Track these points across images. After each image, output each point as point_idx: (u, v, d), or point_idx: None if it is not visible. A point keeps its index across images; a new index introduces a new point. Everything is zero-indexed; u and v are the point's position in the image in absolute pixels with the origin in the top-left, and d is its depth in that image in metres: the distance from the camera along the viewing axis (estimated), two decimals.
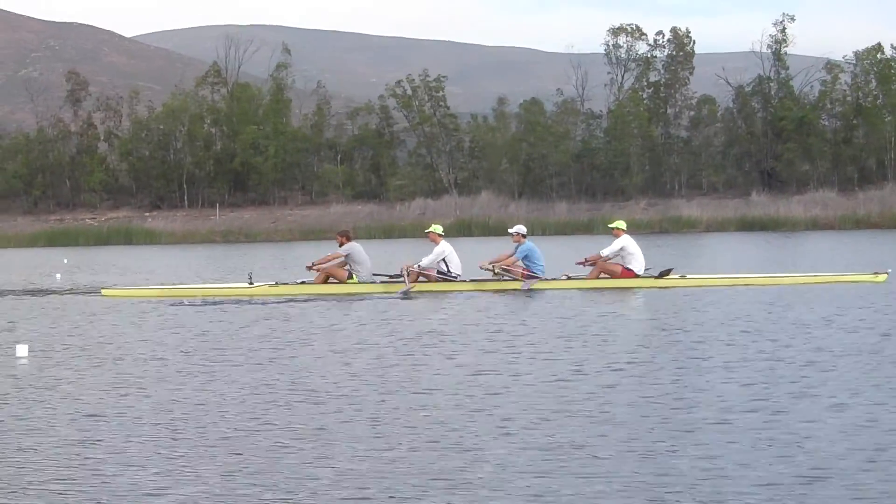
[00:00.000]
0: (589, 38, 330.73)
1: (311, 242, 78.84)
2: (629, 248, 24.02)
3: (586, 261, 24.58)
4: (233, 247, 73.72)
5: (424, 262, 24.26)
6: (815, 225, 77.09)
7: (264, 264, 42.07)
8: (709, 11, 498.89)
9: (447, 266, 24.39)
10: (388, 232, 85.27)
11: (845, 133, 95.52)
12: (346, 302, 22.35)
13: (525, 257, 24.16)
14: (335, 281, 24.36)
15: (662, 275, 24.08)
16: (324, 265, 24.61)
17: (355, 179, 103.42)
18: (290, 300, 22.85)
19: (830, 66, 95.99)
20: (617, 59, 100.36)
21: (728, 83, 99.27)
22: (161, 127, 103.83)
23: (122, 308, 21.94)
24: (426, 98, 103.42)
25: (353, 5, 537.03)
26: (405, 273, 23.95)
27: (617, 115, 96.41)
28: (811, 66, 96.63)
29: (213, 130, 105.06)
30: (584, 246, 42.76)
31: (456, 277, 24.31)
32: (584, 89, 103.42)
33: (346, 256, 24.48)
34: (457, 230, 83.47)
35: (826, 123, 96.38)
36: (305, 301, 22.68)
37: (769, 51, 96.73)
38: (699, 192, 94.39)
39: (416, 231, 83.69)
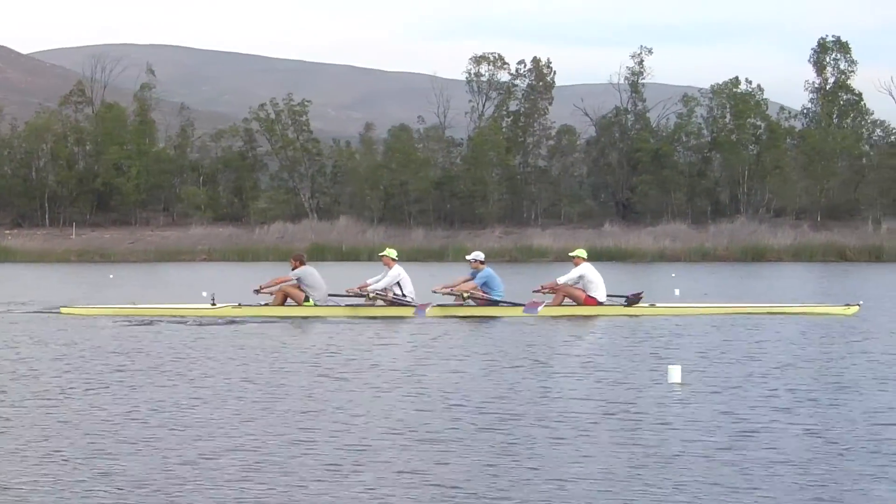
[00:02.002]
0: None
1: (170, 264, 78.36)
2: (589, 277, 24.03)
3: (542, 288, 24.41)
4: (86, 266, 72.69)
5: (380, 284, 24.22)
6: (662, 257, 77.44)
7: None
8: (576, 41, 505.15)
9: (401, 290, 24.22)
10: (243, 255, 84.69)
11: (700, 166, 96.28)
12: (297, 324, 22.75)
13: (484, 283, 24.11)
14: (293, 303, 24.29)
15: (631, 302, 24.02)
16: (271, 288, 24.56)
17: (218, 202, 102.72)
18: (245, 321, 23.01)
19: (687, 98, 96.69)
20: (478, 87, 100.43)
21: (586, 114, 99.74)
22: (24, 145, 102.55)
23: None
24: (289, 122, 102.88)
25: (256, 28, 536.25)
26: (359, 293, 24.29)
27: (476, 143, 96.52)
28: (668, 99, 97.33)
29: (76, 150, 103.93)
30: (438, 273, 42.57)
31: (410, 301, 24.11)
32: (445, 116, 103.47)
33: (297, 280, 24.43)
34: (310, 255, 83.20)
35: (682, 156, 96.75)
36: (262, 323, 22.76)
37: (626, 83, 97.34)
38: (557, 221, 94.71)
39: (273, 255, 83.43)
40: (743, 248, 77.39)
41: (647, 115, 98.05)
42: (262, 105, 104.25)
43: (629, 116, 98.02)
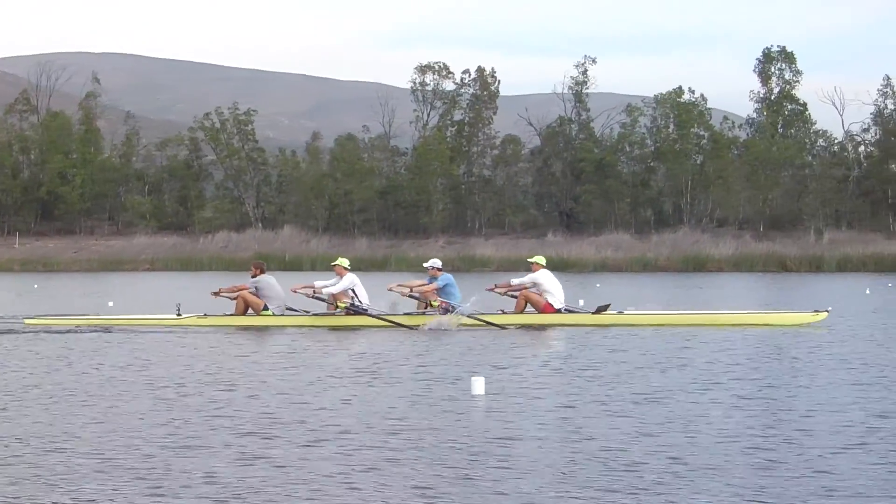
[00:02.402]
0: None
1: (112, 273, 77.92)
2: (545, 285, 24.04)
3: (496, 287, 24.81)
4: (28, 276, 72.07)
5: (335, 288, 24.13)
6: (603, 266, 77.51)
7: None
8: (527, 50, 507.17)
9: (356, 297, 24.16)
10: (186, 264, 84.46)
11: (644, 176, 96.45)
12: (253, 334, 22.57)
13: (445, 286, 24.27)
14: (252, 312, 24.27)
15: (600, 310, 23.94)
16: (229, 295, 24.75)
17: (163, 211, 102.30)
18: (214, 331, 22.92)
19: (631, 108, 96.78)
20: (423, 96, 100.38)
21: (530, 124, 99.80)
22: None
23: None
24: (235, 131, 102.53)
25: (210, 37, 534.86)
26: (316, 295, 24.22)
27: (419, 153, 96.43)
28: (613, 108, 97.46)
29: (21, 158, 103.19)
30: (382, 282, 42.26)
31: (366, 310, 24.07)
32: (391, 125, 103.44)
33: (255, 288, 24.36)
34: (251, 264, 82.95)
35: (625, 166, 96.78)
36: (227, 333, 22.57)
37: (570, 92, 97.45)
38: (501, 231, 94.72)
39: (215, 264, 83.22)
40: (684, 258, 77.54)
41: (592, 124, 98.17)
42: (208, 114, 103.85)
43: (573, 126, 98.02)
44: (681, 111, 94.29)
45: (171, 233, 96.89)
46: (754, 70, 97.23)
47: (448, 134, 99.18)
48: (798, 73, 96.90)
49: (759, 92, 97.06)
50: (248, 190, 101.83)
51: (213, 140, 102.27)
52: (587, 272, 73.79)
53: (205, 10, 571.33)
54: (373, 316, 23.85)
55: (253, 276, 24.55)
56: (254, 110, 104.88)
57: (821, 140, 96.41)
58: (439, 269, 24.62)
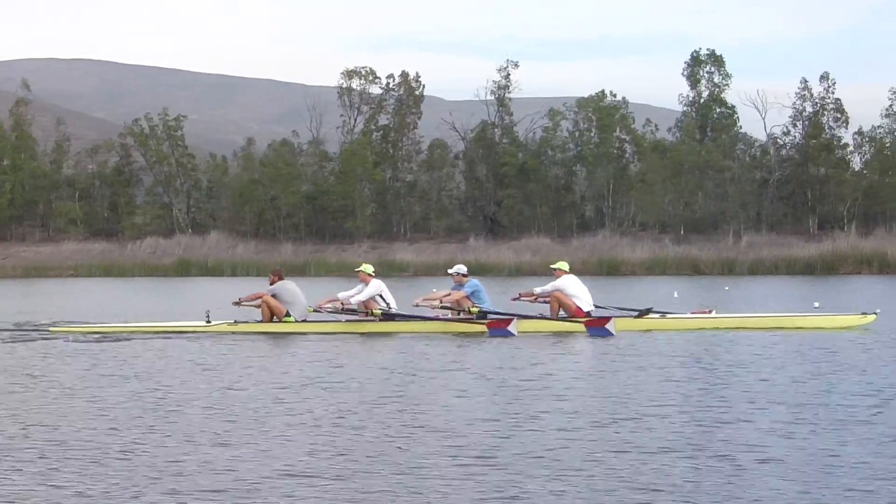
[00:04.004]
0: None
1: (36, 280, 77.85)
2: (570, 289, 23.64)
3: (520, 296, 24.56)
4: None
5: (361, 296, 23.77)
6: (519, 271, 77.59)
7: None
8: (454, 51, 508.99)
9: (385, 302, 23.76)
10: (109, 270, 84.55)
11: (566, 180, 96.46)
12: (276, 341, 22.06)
13: (473, 293, 23.79)
14: (277, 319, 24.07)
15: (642, 314, 23.82)
16: (249, 303, 24.67)
17: (94, 217, 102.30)
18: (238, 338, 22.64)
19: (553, 112, 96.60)
20: (350, 101, 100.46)
21: (454, 128, 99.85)
22: None
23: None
24: (164, 137, 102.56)
25: (176, 43, 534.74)
26: (342, 307, 23.87)
27: (343, 158, 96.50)
28: (536, 112, 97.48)
29: None
30: (310, 287, 42.20)
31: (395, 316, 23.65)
32: (318, 130, 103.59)
33: (274, 295, 24.13)
34: (176, 270, 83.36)
35: (549, 170, 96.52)
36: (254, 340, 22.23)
37: (493, 97, 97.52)
38: (426, 236, 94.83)
39: (140, 270, 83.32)
40: (599, 262, 77.60)
41: (515, 129, 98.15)
42: (137, 120, 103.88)
43: (496, 130, 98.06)
44: (602, 115, 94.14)
45: (101, 239, 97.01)
46: (682, 73, 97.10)
47: (374, 139, 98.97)
48: (727, 76, 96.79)
49: (687, 95, 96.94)
50: (178, 196, 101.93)
51: (142, 146, 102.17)
52: (503, 276, 73.95)
53: (173, 16, 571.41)
54: (428, 319, 23.39)
55: (271, 284, 24.36)
56: (183, 116, 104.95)
57: (740, 143, 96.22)
58: (465, 276, 24.16)
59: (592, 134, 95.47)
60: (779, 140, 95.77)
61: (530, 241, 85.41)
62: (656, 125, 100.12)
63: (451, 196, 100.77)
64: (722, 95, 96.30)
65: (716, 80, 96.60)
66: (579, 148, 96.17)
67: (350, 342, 21.51)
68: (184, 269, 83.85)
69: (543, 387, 14.43)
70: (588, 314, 23.51)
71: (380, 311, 23.51)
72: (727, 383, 14.66)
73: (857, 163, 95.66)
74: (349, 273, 73.98)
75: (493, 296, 27.20)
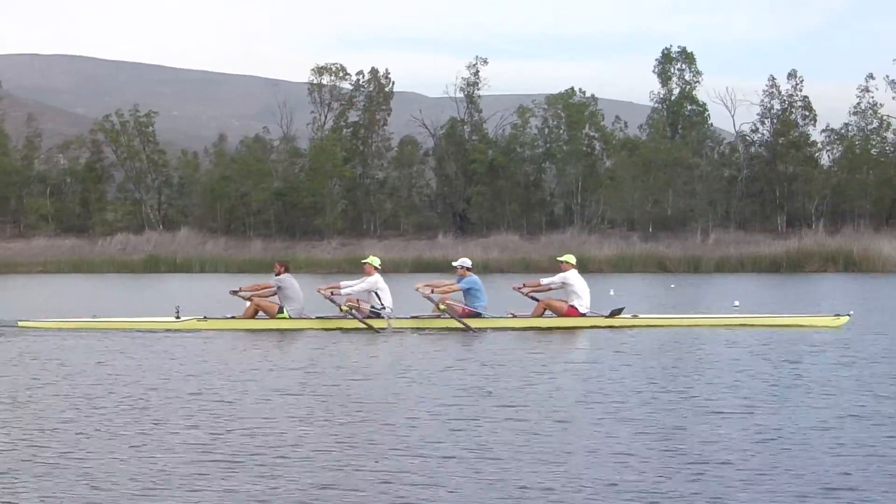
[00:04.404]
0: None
1: (5, 276, 77.75)
2: (574, 286, 23.33)
3: (524, 285, 24.00)
4: None
5: (355, 287, 23.29)
6: (486, 268, 77.50)
7: None
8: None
9: (379, 300, 23.34)
10: (78, 267, 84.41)
11: (535, 177, 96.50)
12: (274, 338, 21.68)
13: (469, 289, 23.42)
14: (264, 316, 23.45)
15: (613, 314, 23.44)
16: (251, 294, 23.78)
17: (65, 213, 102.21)
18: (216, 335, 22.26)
19: (522, 109, 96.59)
20: (320, 98, 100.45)
21: (424, 125, 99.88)
22: None
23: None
24: (136, 133, 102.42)
25: (158, 38, 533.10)
26: (331, 296, 23.41)
27: (313, 155, 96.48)
28: (505, 110, 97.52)
29: None
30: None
31: (389, 314, 23.20)
32: (288, 126, 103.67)
33: (278, 288, 23.56)
34: (144, 267, 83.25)
35: (518, 168, 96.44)
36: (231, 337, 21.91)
37: (462, 94, 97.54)
38: (396, 233, 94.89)
39: (110, 266, 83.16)
40: None
41: (484, 126, 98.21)
42: (108, 116, 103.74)
43: (466, 128, 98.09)
44: (571, 112, 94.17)
45: (72, 235, 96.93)
46: (653, 70, 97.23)
47: (344, 135, 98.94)
48: (698, 74, 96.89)
49: (658, 92, 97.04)
50: (149, 192, 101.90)
51: (113, 142, 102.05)
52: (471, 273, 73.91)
53: (155, 11, 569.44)
54: (358, 319, 23.05)
55: (277, 275, 23.73)
56: (154, 112, 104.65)
57: (709, 140, 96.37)
58: (468, 269, 23.75)
59: (562, 131, 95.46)
60: (748, 137, 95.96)
61: (499, 238, 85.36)
62: (626, 122, 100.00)
63: (421, 193, 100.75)
64: (693, 93, 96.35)
65: (686, 77, 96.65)
66: (548, 145, 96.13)
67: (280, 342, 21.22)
68: (153, 265, 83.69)
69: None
70: (583, 315, 23.35)
71: (346, 309, 23.15)
72: (692, 385, 14.60)
73: (825, 160, 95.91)
74: (319, 269, 74.52)
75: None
